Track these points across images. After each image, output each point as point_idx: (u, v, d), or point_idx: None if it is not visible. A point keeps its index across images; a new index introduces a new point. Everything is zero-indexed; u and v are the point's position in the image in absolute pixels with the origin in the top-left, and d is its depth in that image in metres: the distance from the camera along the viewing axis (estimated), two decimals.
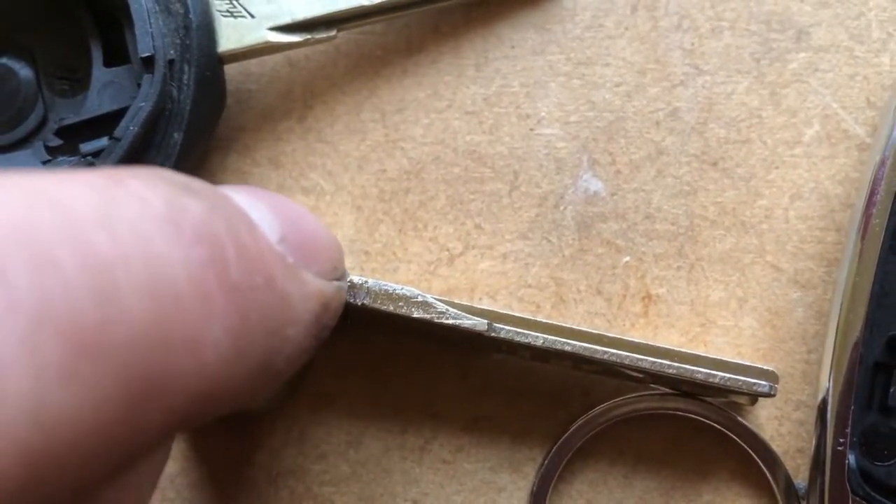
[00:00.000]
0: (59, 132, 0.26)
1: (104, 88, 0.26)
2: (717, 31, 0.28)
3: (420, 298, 0.24)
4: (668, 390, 0.26)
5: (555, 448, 0.26)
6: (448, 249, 0.28)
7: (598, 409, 0.26)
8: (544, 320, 0.25)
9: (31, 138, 0.27)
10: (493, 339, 0.24)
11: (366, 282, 0.24)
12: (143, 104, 0.25)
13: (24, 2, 0.27)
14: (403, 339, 0.27)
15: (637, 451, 0.27)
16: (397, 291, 0.24)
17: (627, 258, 0.27)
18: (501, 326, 0.24)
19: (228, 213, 0.15)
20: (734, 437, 0.26)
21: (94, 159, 0.25)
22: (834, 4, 0.28)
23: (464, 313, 0.24)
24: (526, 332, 0.24)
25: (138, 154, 0.25)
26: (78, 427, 0.12)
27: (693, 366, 0.25)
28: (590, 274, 0.27)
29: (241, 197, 0.17)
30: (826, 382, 0.25)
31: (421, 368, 0.27)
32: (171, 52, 0.25)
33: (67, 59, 0.27)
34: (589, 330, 0.25)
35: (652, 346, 0.25)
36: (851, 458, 0.24)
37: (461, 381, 0.27)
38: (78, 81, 0.27)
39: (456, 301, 0.25)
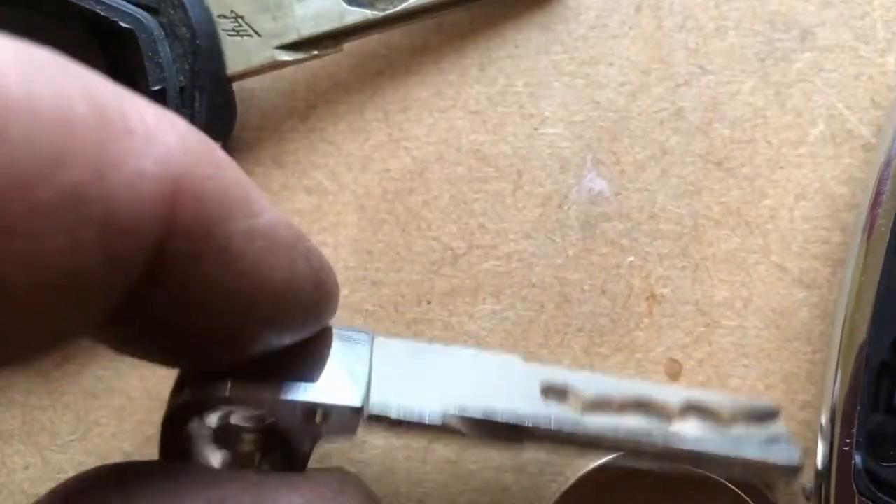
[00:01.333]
0: None
1: None
2: (721, 31, 0.28)
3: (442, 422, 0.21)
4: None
5: None
6: (451, 249, 0.28)
7: (585, 471, 0.26)
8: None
9: None
10: None
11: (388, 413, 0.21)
12: None
13: (27, 28, 0.27)
14: None
15: None
16: (421, 421, 0.21)
17: (632, 258, 0.27)
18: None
19: None
20: (737, 490, 0.26)
21: None
22: (838, 4, 0.28)
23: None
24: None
25: None
26: None
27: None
28: (594, 274, 0.27)
29: None
30: (832, 383, 0.25)
31: None
32: (181, 78, 0.25)
33: None
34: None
35: (681, 451, 0.23)
36: (857, 459, 0.24)
37: None
38: None
39: (492, 409, 0.21)
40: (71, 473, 0.27)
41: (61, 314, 0.15)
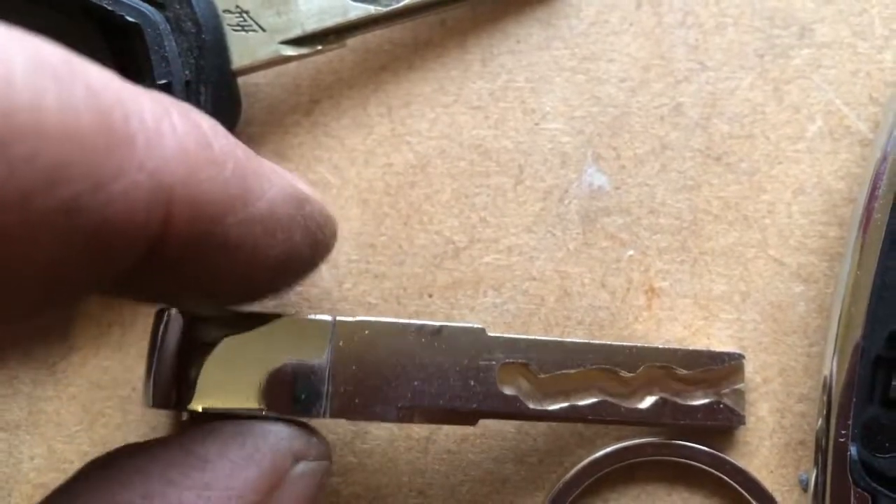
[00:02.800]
0: None
1: None
2: (720, 28, 0.28)
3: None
4: (665, 440, 0.26)
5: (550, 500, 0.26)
6: (453, 242, 0.28)
7: (585, 463, 0.26)
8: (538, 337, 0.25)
9: None
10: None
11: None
12: None
13: (31, 20, 0.27)
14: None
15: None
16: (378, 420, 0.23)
17: (631, 252, 0.28)
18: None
19: None
20: (733, 482, 0.26)
21: None
22: (837, 1, 0.28)
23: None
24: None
25: None
26: None
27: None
28: (594, 267, 0.28)
29: None
30: (828, 375, 0.25)
31: None
32: (186, 72, 0.26)
33: None
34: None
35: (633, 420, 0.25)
36: (853, 451, 0.24)
37: None
38: None
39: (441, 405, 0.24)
40: (77, 464, 0.27)
41: (50, 290, 0.15)
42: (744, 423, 0.26)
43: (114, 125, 0.14)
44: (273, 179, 0.19)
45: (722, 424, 0.26)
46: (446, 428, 0.27)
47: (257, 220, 0.18)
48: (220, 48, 0.26)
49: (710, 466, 0.26)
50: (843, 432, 0.25)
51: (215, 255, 0.17)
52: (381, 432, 0.27)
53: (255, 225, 0.18)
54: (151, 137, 0.15)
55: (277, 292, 0.21)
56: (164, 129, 0.16)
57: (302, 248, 0.20)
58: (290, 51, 0.27)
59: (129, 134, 0.15)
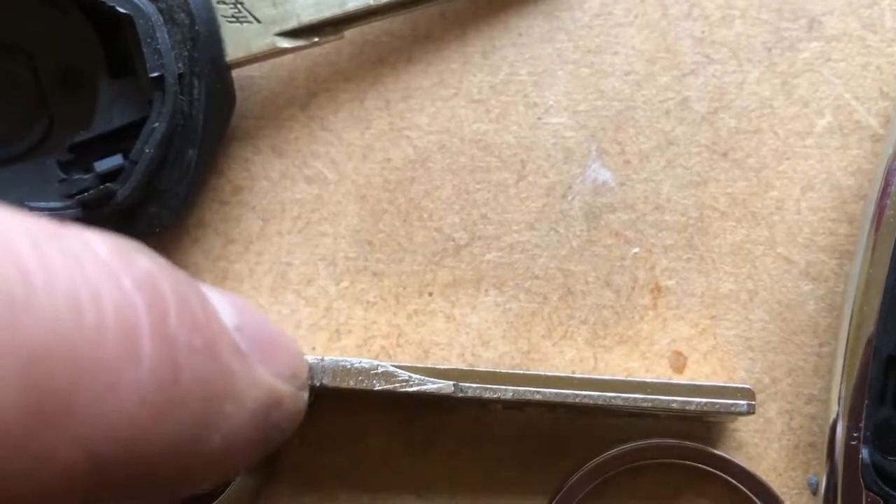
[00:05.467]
0: (71, 148, 0.25)
1: (113, 102, 0.26)
2: (727, 20, 0.27)
3: (381, 369, 0.24)
4: (672, 441, 0.26)
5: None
6: (454, 239, 0.27)
7: (589, 466, 0.26)
8: (511, 371, 0.25)
9: (38, 149, 0.26)
10: (462, 398, 0.24)
11: (322, 360, 0.24)
12: (157, 124, 0.25)
13: (24, 12, 0.26)
14: (374, 411, 0.26)
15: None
16: (355, 366, 0.24)
17: (636, 249, 0.27)
18: (468, 385, 0.24)
19: (179, 279, 0.15)
20: (740, 485, 0.26)
21: (112, 183, 0.25)
22: None
23: (428, 378, 0.24)
24: (494, 386, 0.24)
25: (154, 174, 0.25)
26: None
27: (667, 395, 0.24)
28: (598, 265, 0.27)
29: (203, 286, 0.16)
30: (839, 376, 0.24)
31: None
32: (180, 65, 0.25)
33: (69, 63, 0.26)
34: (558, 374, 0.25)
35: (624, 381, 0.25)
36: (865, 453, 0.24)
37: None
38: (80, 86, 0.26)
39: (419, 365, 0.25)
40: None
41: None
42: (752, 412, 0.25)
43: (48, 401, 0.12)
44: (244, 392, 0.16)
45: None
46: (447, 430, 0.27)
47: (205, 457, 0.15)
48: (214, 40, 0.26)
49: (717, 469, 0.26)
50: (854, 434, 0.24)
51: (149, 489, 0.15)
52: (380, 434, 0.27)
53: (202, 462, 0.15)
54: (101, 397, 0.13)
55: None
56: (123, 377, 0.13)
57: (254, 457, 0.18)
58: (286, 43, 0.26)
59: (68, 404, 0.12)
